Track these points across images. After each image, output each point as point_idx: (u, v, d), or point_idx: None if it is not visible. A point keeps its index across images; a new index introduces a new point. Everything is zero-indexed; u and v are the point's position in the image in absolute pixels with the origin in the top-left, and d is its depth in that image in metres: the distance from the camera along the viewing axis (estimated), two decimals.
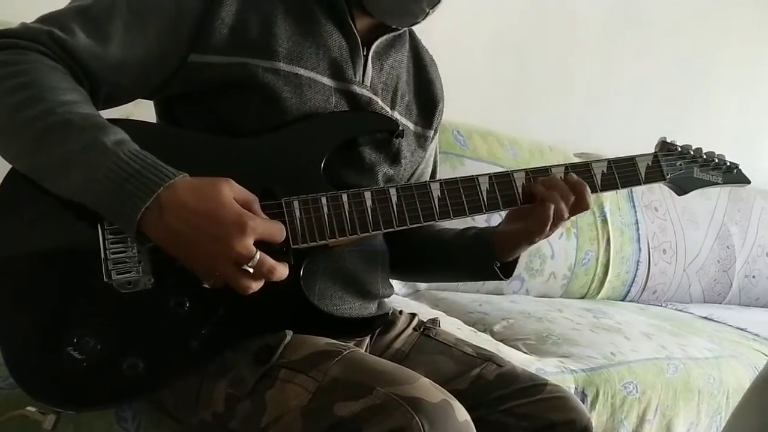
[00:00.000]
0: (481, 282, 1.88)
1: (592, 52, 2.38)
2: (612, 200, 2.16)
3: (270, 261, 0.69)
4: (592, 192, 0.91)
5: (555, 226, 0.87)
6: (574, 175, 0.89)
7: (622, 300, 2.23)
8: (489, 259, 0.95)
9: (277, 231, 0.71)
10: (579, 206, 0.88)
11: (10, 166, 0.72)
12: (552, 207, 0.85)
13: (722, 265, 2.46)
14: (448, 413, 0.66)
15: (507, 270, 0.97)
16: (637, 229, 2.21)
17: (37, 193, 0.70)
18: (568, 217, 0.88)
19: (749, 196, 2.55)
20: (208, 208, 0.67)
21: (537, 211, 0.86)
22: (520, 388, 0.90)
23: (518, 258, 0.97)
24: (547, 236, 0.89)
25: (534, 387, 0.90)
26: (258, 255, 0.68)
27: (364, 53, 0.90)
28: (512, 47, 2.21)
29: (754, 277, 2.55)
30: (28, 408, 0.72)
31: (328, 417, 0.67)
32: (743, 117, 2.80)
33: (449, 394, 0.69)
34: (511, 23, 2.18)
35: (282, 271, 0.70)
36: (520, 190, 0.88)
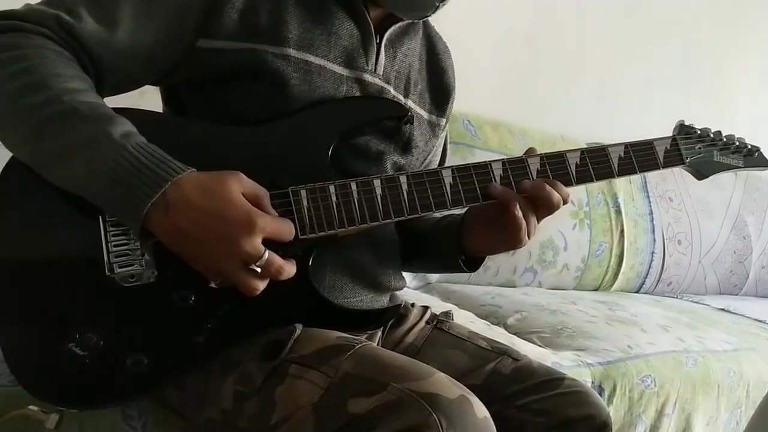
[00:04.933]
0: (493, 274, 1.86)
1: (604, 40, 2.35)
2: (626, 190, 2.13)
3: (278, 261, 0.67)
4: (608, 178, 0.88)
5: (529, 235, 0.83)
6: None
7: (636, 292, 2.20)
8: (456, 255, 0.93)
9: (286, 229, 0.69)
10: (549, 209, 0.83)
11: (10, 155, 0.71)
12: (523, 222, 0.81)
13: (738, 256, 2.42)
14: (466, 409, 0.64)
15: (475, 263, 0.95)
16: (652, 220, 2.18)
17: (37, 184, 0.68)
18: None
19: (765, 186, 2.51)
20: (216, 206, 0.65)
21: (512, 228, 0.82)
22: (536, 382, 0.88)
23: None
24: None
25: (551, 381, 0.88)
26: (266, 254, 0.66)
27: (377, 41, 0.88)
28: (523, 37, 2.18)
29: None
30: (30, 407, 0.71)
31: (340, 414, 0.65)
32: (756, 106, 2.76)
33: (467, 389, 0.66)
34: (522, 13, 2.15)
35: (290, 269, 0.69)
36: (534, 176, 0.85)
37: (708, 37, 2.58)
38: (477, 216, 0.90)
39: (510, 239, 0.83)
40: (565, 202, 0.83)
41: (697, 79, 2.59)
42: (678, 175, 2.26)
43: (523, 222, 0.81)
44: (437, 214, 0.99)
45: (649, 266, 2.18)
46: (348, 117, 0.84)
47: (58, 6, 0.72)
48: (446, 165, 0.89)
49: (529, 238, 0.83)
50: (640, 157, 0.90)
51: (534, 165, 0.85)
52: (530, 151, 0.87)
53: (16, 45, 0.69)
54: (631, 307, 1.80)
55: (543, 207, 0.82)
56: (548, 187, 0.82)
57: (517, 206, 0.80)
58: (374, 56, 0.87)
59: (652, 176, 2.21)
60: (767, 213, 2.50)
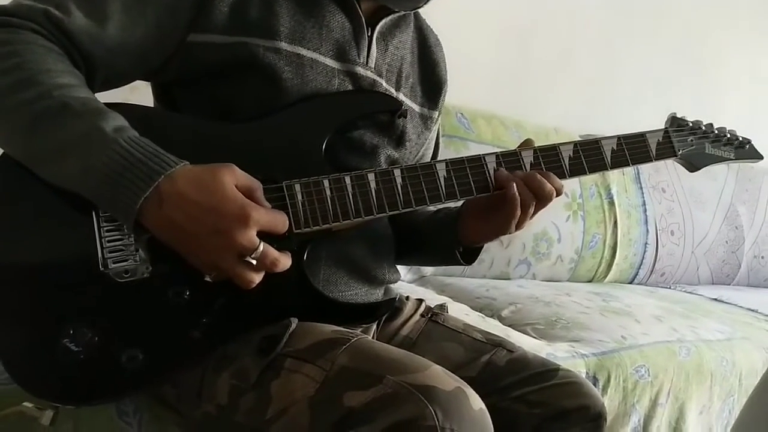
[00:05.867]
0: (488, 266, 1.86)
1: (597, 33, 2.34)
2: (619, 182, 2.14)
3: (274, 253, 0.67)
4: (601, 170, 0.88)
5: (522, 224, 0.84)
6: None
7: (630, 283, 2.20)
8: (454, 246, 0.93)
9: (280, 221, 0.69)
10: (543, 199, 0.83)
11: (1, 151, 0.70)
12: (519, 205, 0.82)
13: (730, 246, 2.43)
14: (462, 401, 0.64)
15: (472, 255, 0.95)
16: (645, 211, 2.19)
17: (29, 180, 0.68)
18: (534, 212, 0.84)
19: (757, 176, 2.52)
20: (210, 198, 0.64)
21: (507, 210, 0.82)
22: (531, 374, 0.88)
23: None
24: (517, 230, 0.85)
25: (546, 372, 0.88)
26: (261, 246, 0.66)
27: (369, 34, 0.87)
28: (516, 30, 2.17)
29: (762, 257, 2.51)
30: (25, 404, 0.70)
31: (336, 407, 0.65)
32: (750, 99, 2.76)
33: (463, 381, 0.66)
34: (516, 6, 2.15)
35: (285, 262, 0.68)
36: (527, 169, 0.85)
37: (701, 30, 2.57)
38: (473, 204, 0.90)
39: (501, 223, 0.84)
40: (558, 194, 0.83)
41: (690, 72, 2.59)
42: (671, 165, 2.27)
43: (518, 206, 0.81)
44: (431, 208, 1.00)
45: (643, 257, 2.19)
46: (342, 111, 0.83)
47: (46, 1, 0.71)
48: (440, 158, 0.89)
49: (521, 225, 0.84)
50: (632, 150, 0.90)
51: (527, 158, 0.85)
52: (526, 143, 0.87)
53: (5, 41, 0.68)
54: (625, 298, 1.80)
55: (535, 198, 0.82)
56: (540, 177, 0.82)
57: (515, 186, 0.81)
58: (366, 49, 0.87)
59: (645, 167, 2.21)
60: (759, 203, 2.51)
